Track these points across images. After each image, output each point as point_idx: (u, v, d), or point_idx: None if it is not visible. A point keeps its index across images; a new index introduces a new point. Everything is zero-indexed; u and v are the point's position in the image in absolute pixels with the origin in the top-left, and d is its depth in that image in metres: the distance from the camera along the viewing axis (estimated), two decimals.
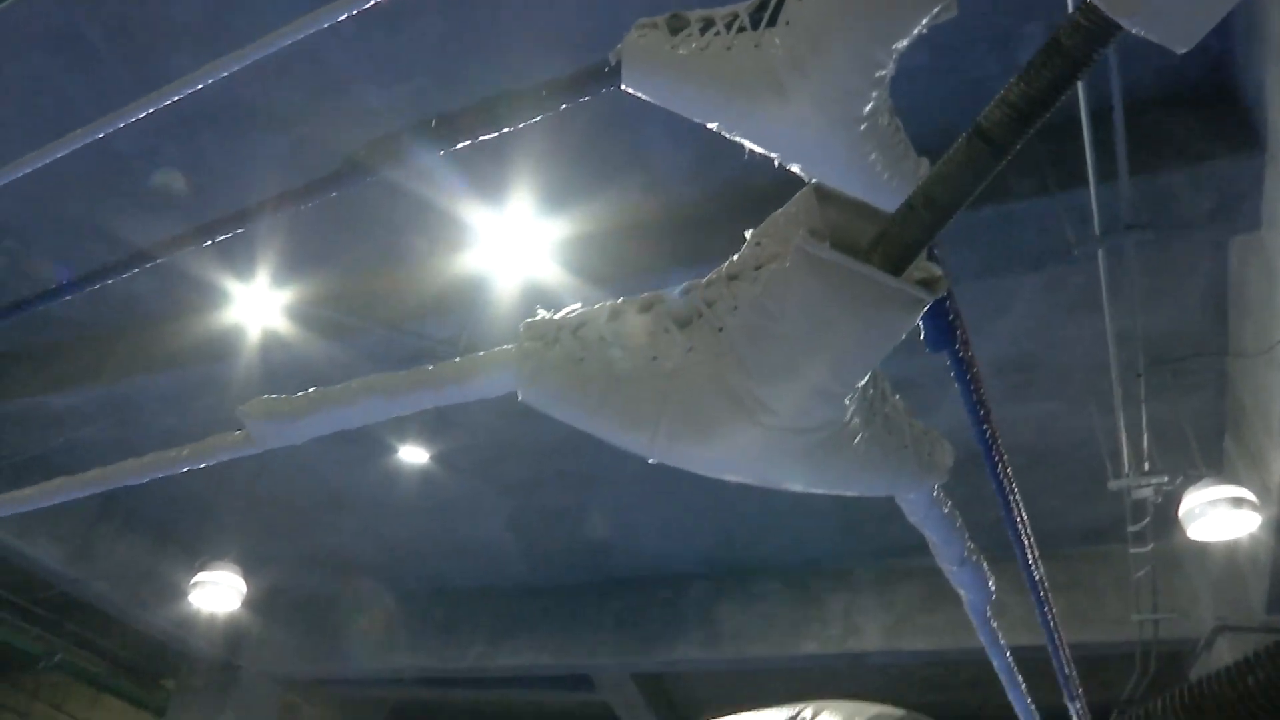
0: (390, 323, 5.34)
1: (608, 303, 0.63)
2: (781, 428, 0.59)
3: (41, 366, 6.62)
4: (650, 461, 0.66)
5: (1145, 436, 5.33)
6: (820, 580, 7.95)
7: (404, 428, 6.61)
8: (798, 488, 0.66)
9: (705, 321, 0.59)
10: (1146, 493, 5.51)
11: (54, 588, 8.52)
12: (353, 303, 5.55)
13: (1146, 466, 5.46)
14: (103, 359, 6.39)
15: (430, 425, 6.57)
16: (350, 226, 5.29)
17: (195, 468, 0.89)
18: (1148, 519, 5.71)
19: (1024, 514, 1.31)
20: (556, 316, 0.65)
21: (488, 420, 6.59)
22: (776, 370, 0.57)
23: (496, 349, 0.66)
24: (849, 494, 0.69)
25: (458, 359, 0.69)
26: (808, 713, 0.40)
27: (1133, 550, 5.98)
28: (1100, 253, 4.24)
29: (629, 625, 8.48)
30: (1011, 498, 1.22)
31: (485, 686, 10.46)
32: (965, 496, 0.90)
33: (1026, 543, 1.35)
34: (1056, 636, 1.80)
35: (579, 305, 0.65)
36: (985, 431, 1.11)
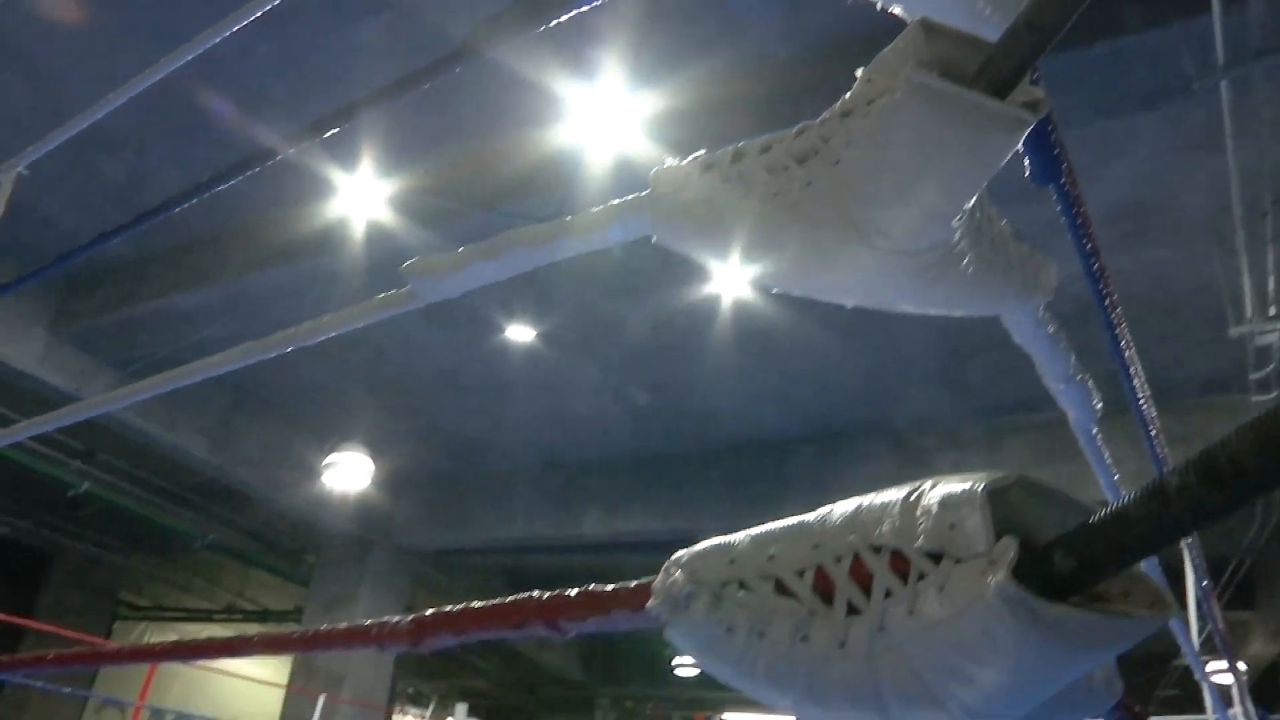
0: (487, 204, 5.45)
1: (730, 147, 0.69)
2: (895, 250, 0.64)
3: (168, 269, 7.01)
4: (773, 292, 0.72)
5: (1271, 279, 5.12)
6: (926, 439, 7.99)
7: (511, 308, 6.81)
8: (910, 308, 0.71)
9: (822, 157, 0.64)
10: (1271, 338, 5.32)
11: (201, 475, 9.22)
12: (450, 188, 5.67)
13: (1272, 311, 5.26)
14: (222, 258, 6.72)
15: (535, 304, 6.75)
16: (444, 110, 5.36)
17: (364, 325, 0.98)
18: (1272, 365, 5.53)
19: (1139, 366, 1.32)
20: (685, 163, 0.71)
21: (590, 298, 6.73)
22: (890, 196, 0.62)
23: (631, 197, 0.73)
24: (958, 313, 0.75)
25: (595, 209, 0.76)
26: (927, 485, 0.45)
27: (1255, 399, 5.82)
28: (1224, 85, 4.01)
29: (736, 490, 8.72)
30: (1125, 349, 1.23)
31: (601, 552, 10.98)
32: (1076, 351, 0.93)
33: (1141, 396, 1.37)
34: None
35: (703, 151, 0.71)
36: (1095, 270, 1.13)
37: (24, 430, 1.67)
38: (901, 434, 8.17)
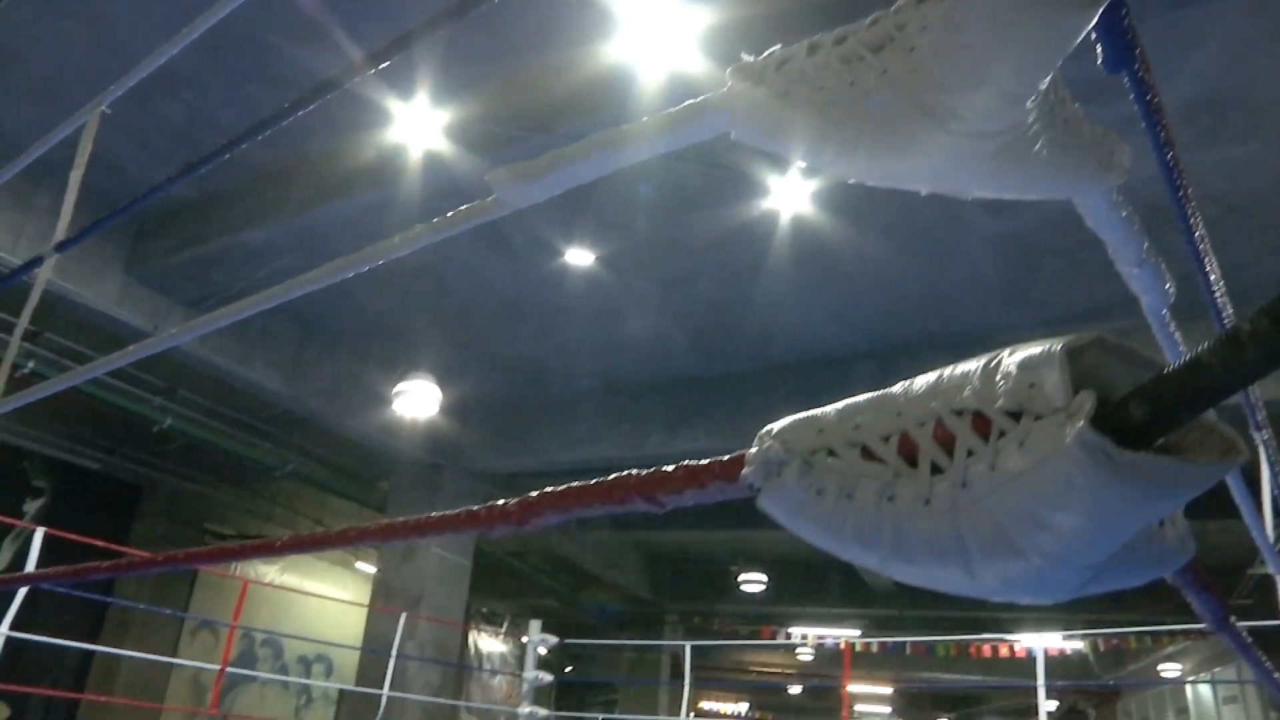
0: (543, 127, 5.45)
1: (806, 41, 0.71)
2: (970, 134, 0.66)
3: (233, 208, 7.17)
4: (850, 182, 0.74)
5: None
6: (992, 350, 7.89)
7: (569, 232, 6.85)
8: (985, 193, 0.73)
9: (896, 44, 0.66)
10: None
11: (276, 407, 9.54)
12: (505, 114, 5.67)
13: None
14: (285, 194, 6.84)
15: (594, 228, 6.77)
16: (496, 34, 5.33)
17: (450, 234, 1.03)
18: None
19: (1215, 267, 1.30)
20: (761, 58, 0.73)
21: (647, 220, 6.73)
22: (965, 79, 0.63)
23: (709, 95, 0.75)
24: (1031, 197, 0.76)
25: (672, 109, 0.78)
26: (1005, 352, 0.47)
27: None
28: None
29: (797, 407, 8.59)
30: (1202, 250, 1.22)
31: None
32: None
33: (1219, 297, 1.35)
34: (1250, 396, 1.79)
35: (779, 46, 0.73)
36: (1170, 163, 1.11)
37: (104, 365, 1.77)
38: (965, 347, 8.04)
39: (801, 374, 8.74)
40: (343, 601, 12.85)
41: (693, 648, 8.24)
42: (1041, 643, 10.47)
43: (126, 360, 1.84)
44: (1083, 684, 17.86)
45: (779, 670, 23.49)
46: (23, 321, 1.77)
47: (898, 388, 0.62)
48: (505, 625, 18.28)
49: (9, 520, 10.22)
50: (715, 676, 22.75)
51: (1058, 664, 17.05)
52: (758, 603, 16.52)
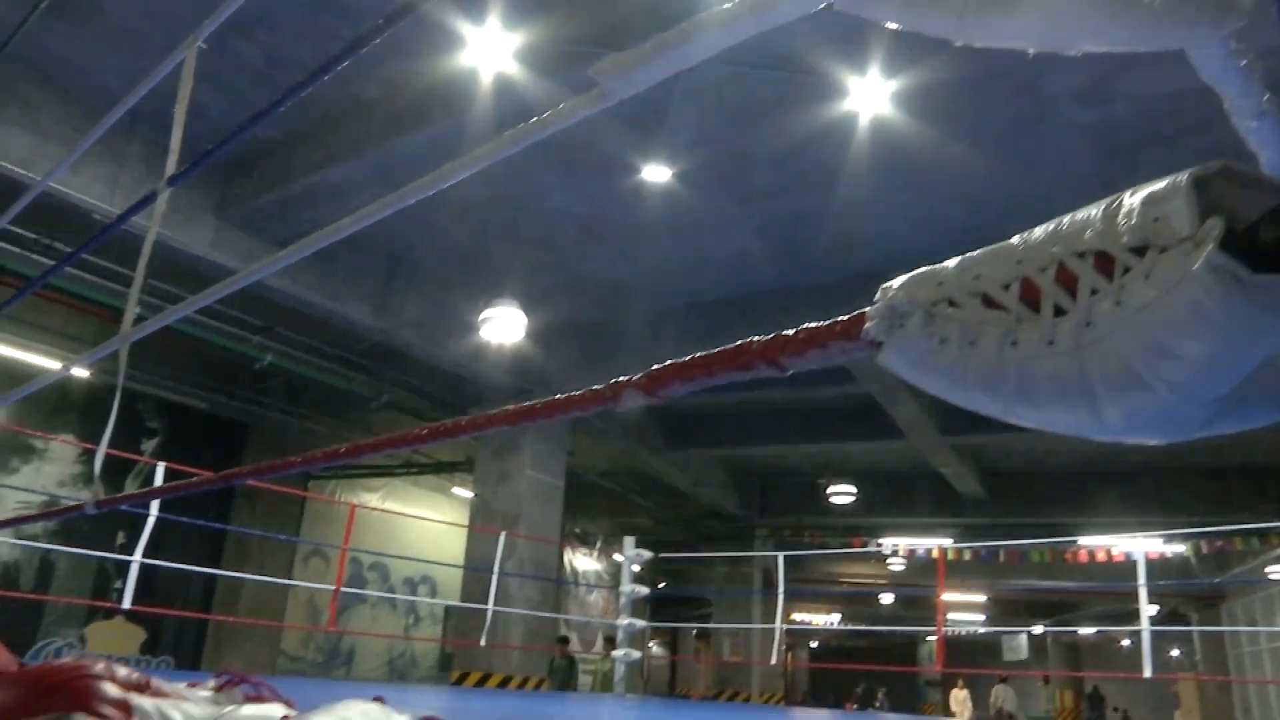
0: (615, 45, 5.38)
1: None
2: None
3: (315, 145, 7.30)
4: (956, 44, 0.73)
5: None
6: None
7: (645, 149, 6.80)
8: (1097, 45, 0.72)
9: None
10: None
11: (368, 340, 9.82)
12: (576, 33, 5.62)
13: None
14: (363, 128, 6.94)
15: (669, 143, 6.71)
16: None
17: (552, 132, 1.05)
18: None
19: None
20: None
21: (725, 132, 6.63)
22: None
23: None
24: (1142, 48, 0.74)
25: None
26: (1126, 193, 0.47)
27: None
28: None
29: None
30: None
31: (750, 387, 11.19)
32: None
33: None
34: None
35: None
36: None
37: (204, 298, 1.86)
38: None
39: (884, 282, 8.60)
40: (443, 523, 13.34)
41: (785, 558, 8.35)
42: (1142, 545, 10.32)
43: (225, 291, 1.93)
44: (1188, 583, 17.57)
45: (870, 580, 23.66)
46: (145, 251, 1.87)
47: (1015, 239, 0.62)
48: (598, 544, 18.78)
49: (133, 456, 10.82)
50: (807, 588, 23.06)
51: (1158, 567, 16.78)
52: (847, 514, 16.59)
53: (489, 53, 5.84)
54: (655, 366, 0.79)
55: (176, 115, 1.90)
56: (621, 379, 0.81)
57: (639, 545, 8.42)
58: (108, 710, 1.04)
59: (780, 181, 7.35)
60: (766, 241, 8.30)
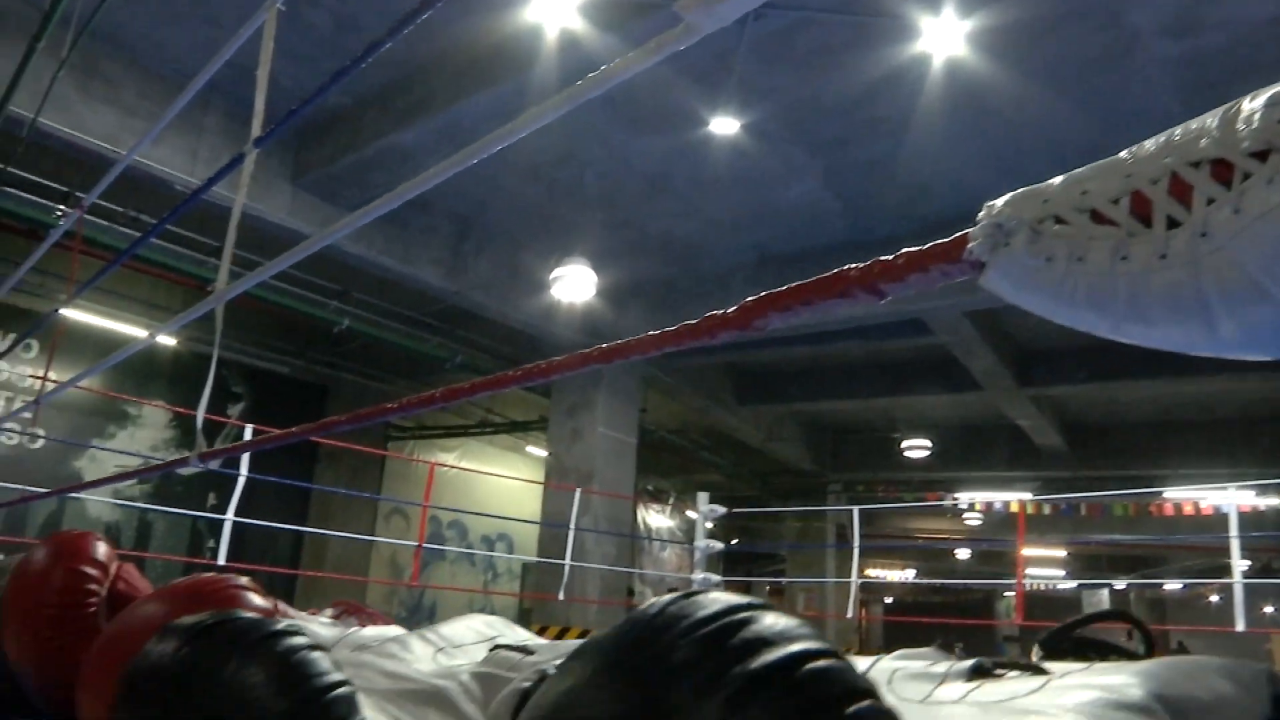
0: None
1: None
2: None
3: (383, 110, 7.38)
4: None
5: None
6: None
7: (713, 100, 6.72)
8: None
9: None
10: None
11: (441, 302, 9.98)
12: None
13: None
14: (430, 91, 6.98)
15: (738, 93, 6.62)
16: None
17: (641, 69, 1.05)
18: None
19: None
20: None
21: (793, 80, 6.52)
22: None
23: None
24: None
25: None
26: (1244, 99, 0.45)
27: None
28: None
29: None
30: None
31: (822, 341, 11.08)
32: None
33: None
34: None
35: None
36: None
37: (288, 258, 1.91)
38: None
39: (959, 231, 8.40)
40: (518, 480, 13.58)
41: (860, 512, 8.31)
42: (1234, 497, 10.00)
43: (308, 251, 1.98)
44: None
45: (946, 535, 23.44)
46: (236, 211, 1.93)
47: (1123, 153, 0.61)
48: (671, 500, 18.92)
49: (222, 419, 11.20)
50: (881, 543, 22.94)
51: (1250, 520, 16.26)
52: (921, 468, 16.41)
53: (553, 8, 5.81)
54: (750, 299, 0.79)
55: (259, 78, 1.95)
56: (717, 313, 0.81)
57: (712, 501, 8.46)
58: (258, 609, 1.13)
59: (850, 130, 7.20)
60: (836, 192, 8.16)
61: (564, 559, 8.71)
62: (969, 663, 1.12)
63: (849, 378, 13.54)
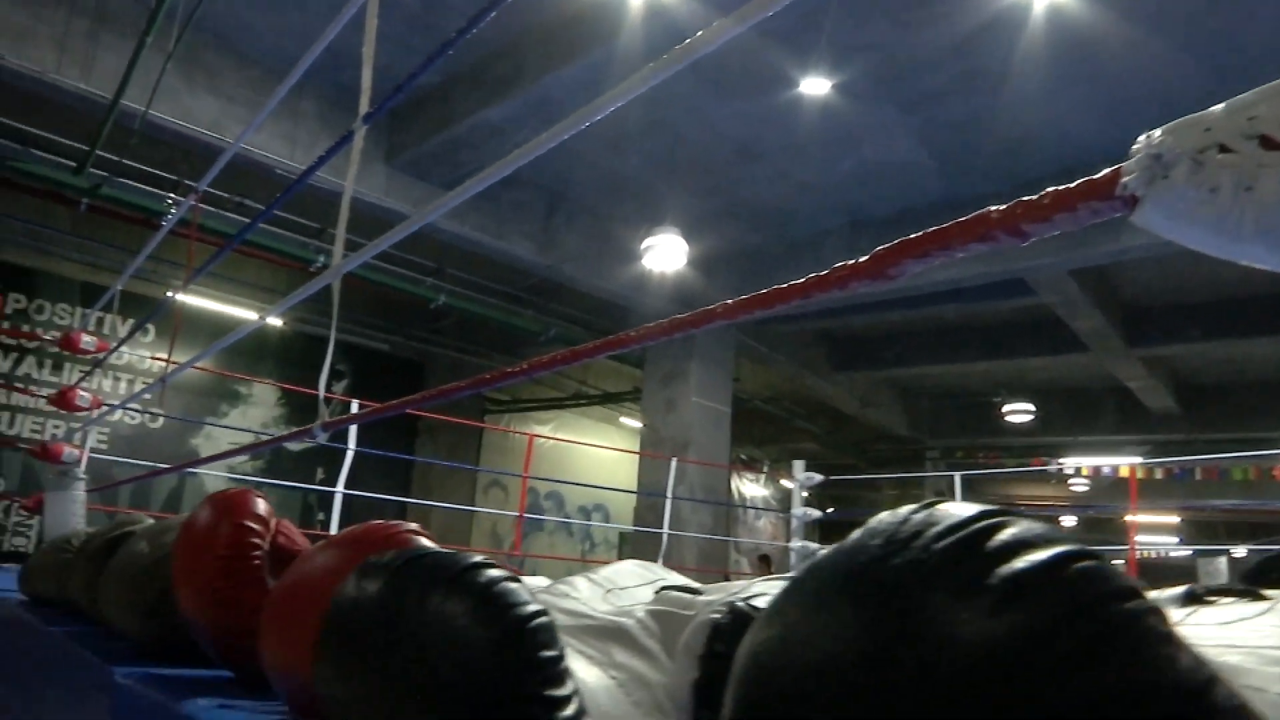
0: None
1: None
2: None
3: (472, 87, 7.45)
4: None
5: None
6: None
7: (804, 60, 6.59)
8: None
9: None
10: None
11: (534, 275, 10.09)
12: None
13: None
14: (518, 65, 7.02)
15: (829, 51, 6.47)
16: None
17: (764, 17, 1.02)
18: None
19: None
20: None
21: (885, 35, 6.33)
22: None
23: None
24: None
25: None
26: None
27: None
28: None
29: None
30: None
31: (917, 305, 10.83)
32: None
33: None
34: None
35: None
36: None
37: (397, 233, 1.94)
38: None
39: (1063, 185, 8.06)
40: (614, 450, 13.71)
41: (962, 478, 8.13)
42: None
43: (410, 229, 2.02)
44: None
45: (1050, 502, 22.79)
46: (349, 187, 1.97)
47: None
48: (765, 469, 18.85)
49: (328, 395, 11.56)
50: None
51: None
52: (1023, 434, 15.95)
53: None
54: (882, 246, 0.77)
55: (365, 54, 1.99)
56: (847, 262, 0.79)
57: (807, 470, 8.38)
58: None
59: (945, 84, 6.97)
60: (931, 151, 7.93)
61: (661, 528, 8.76)
62: (1180, 589, 1.07)
63: (946, 342, 13.22)
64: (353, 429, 7.34)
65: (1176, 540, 27.25)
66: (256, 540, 1.72)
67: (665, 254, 8.15)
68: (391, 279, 9.77)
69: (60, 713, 2.08)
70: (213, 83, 7.40)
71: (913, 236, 0.73)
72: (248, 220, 8.60)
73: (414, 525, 1.38)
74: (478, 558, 0.94)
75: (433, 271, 10.15)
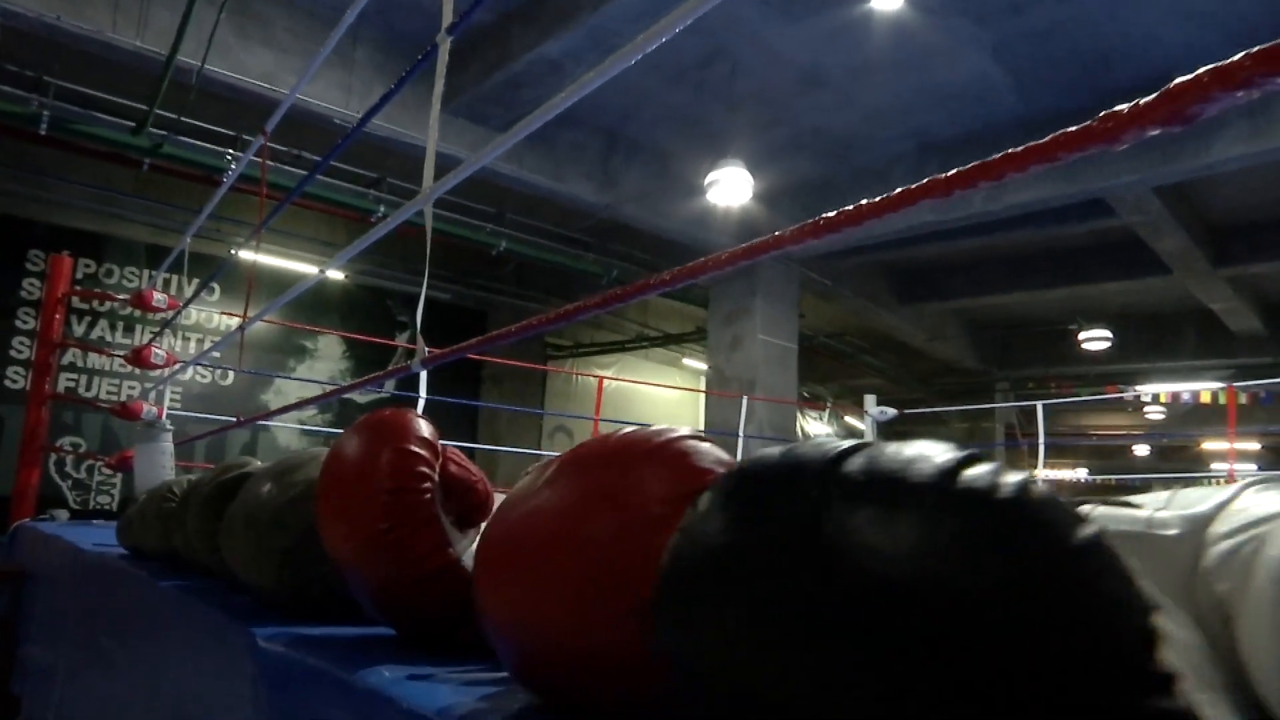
0: None
1: None
2: None
3: (527, 23, 7.25)
4: None
5: None
6: None
7: None
8: None
9: None
10: None
11: (593, 217, 9.92)
12: None
13: None
14: None
15: None
16: None
17: None
18: None
19: None
20: None
21: None
22: None
23: None
24: None
25: None
26: None
27: None
28: None
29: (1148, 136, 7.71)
30: None
31: (989, 231, 10.46)
32: None
33: None
34: None
35: None
36: None
37: (439, 189, 1.81)
38: None
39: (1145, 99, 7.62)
40: (680, 389, 13.63)
41: (1030, 409, 7.87)
42: None
43: (470, 170, 1.91)
44: None
45: (1125, 431, 22.24)
46: (435, 105, 1.85)
47: None
48: (828, 405, 18.64)
49: (391, 342, 11.62)
50: (1055, 440, 21.99)
51: None
52: (1098, 362, 15.49)
53: None
54: (1180, 79, 0.61)
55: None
56: (1072, 128, 0.64)
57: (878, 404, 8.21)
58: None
59: None
60: (1008, 65, 7.54)
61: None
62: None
63: (1017, 269, 12.79)
64: (423, 376, 7.34)
65: (1255, 467, 26.53)
66: (425, 469, 1.47)
67: (730, 188, 7.92)
68: (451, 226, 9.69)
69: (200, 680, 1.86)
70: (266, 34, 7.30)
71: (1222, 64, 0.58)
72: (305, 173, 8.58)
73: (686, 429, 1.07)
74: (949, 450, 0.66)
75: (492, 217, 10.04)
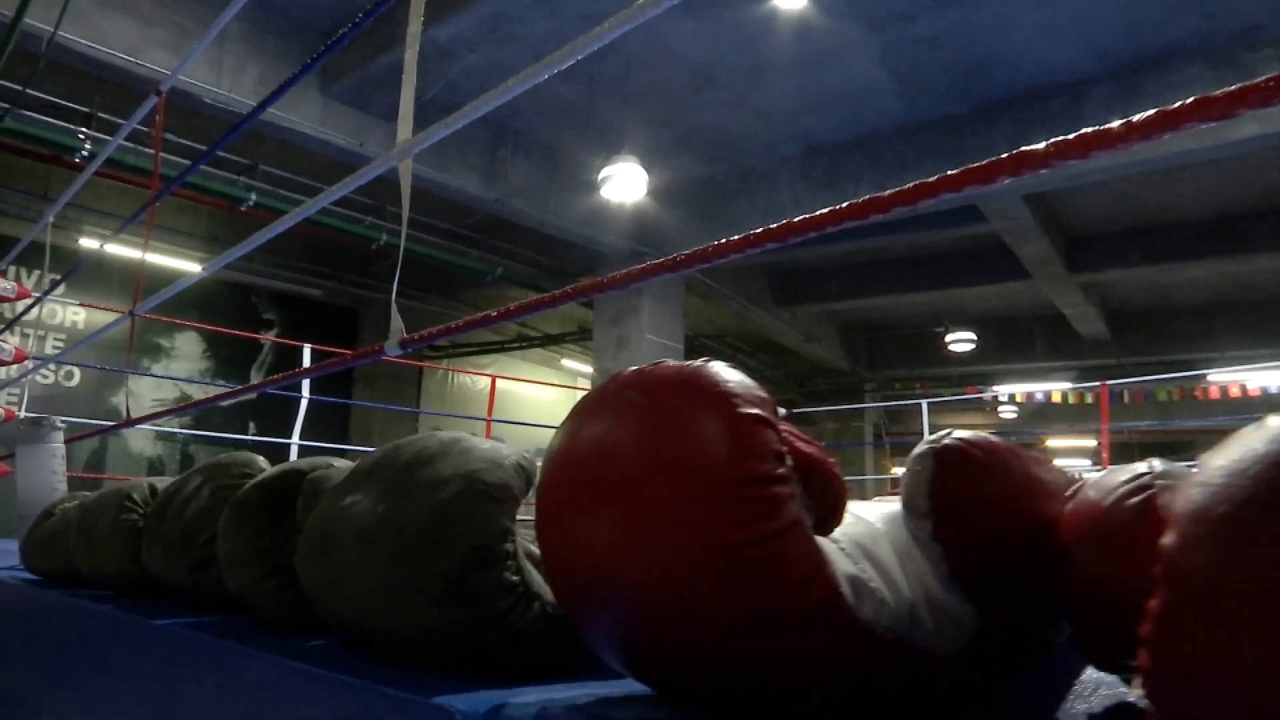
0: None
1: None
2: None
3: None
4: None
5: None
6: (1260, 52, 6.91)
7: None
8: None
9: None
10: None
11: (480, 212, 9.65)
12: None
13: None
14: None
15: None
16: None
17: None
18: None
19: None
20: None
21: None
22: None
23: None
24: None
25: None
26: None
27: None
28: None
29: (1020, 144, 8.05)
30: None
31: (863, 235, 10.74)
32: None
33: None
34: None
35: None
36: None
37: (334, 193, 1.66)
38: (1222, 50, 7.10)
39: (1024, 108, 7.98)
40: (568, 388, 13.45)
41: (889, 412, 8.11)
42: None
43: (359, 182, 1.75)
44: None
45: (981, 429, 23.35)
46: (411, 46, 1.65)
47: None
48: None
49: (254, 336, 10.99)
50: (913, 440, 22.88)
51: None
52: (962, 363, 16.20)
53: None
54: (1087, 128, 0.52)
55: None
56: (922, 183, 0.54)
57: None
58: None
59: (910, 4, 6.76)
60: (894, 70, 7.73)
61: None
62: None
63: (891, 273, 13.23)
64: (305, 380, 6.93)
65: (1089, 463, 28.37)
66: (779, 447, 0.99)
67: (624, 184, 7.82)
68: (328, 219, 9.23)
69: None
70: (127, 1, 6.74)
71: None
72: (167, 156, 7.98)
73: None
74: None
75: (372, 209, 9.63)
